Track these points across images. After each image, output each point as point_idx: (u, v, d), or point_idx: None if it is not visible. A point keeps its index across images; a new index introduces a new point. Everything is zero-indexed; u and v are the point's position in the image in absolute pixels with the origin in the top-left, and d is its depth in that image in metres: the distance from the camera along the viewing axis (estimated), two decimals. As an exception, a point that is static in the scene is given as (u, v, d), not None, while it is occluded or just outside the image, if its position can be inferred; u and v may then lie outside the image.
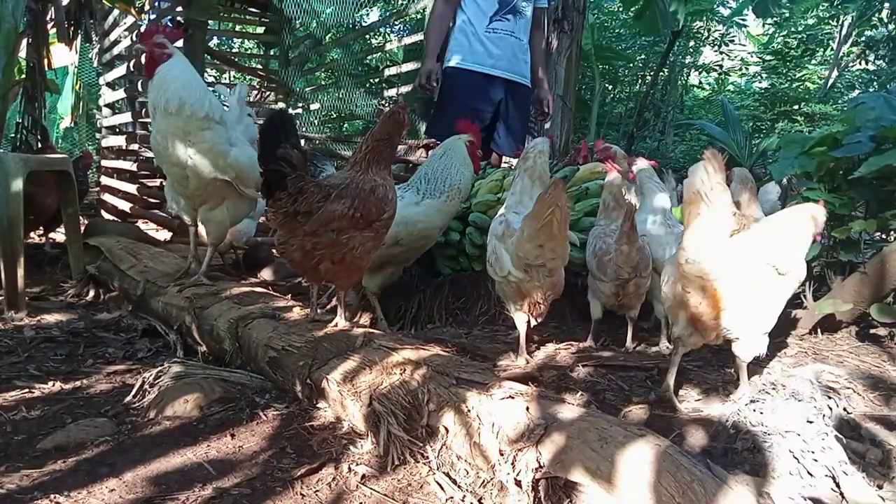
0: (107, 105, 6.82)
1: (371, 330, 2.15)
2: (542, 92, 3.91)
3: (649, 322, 2.88)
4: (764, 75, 13.11)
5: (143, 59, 2.68)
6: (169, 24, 5.73)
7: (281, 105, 7.18)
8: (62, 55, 7.79)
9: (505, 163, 3.94)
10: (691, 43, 12.52)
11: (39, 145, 5.11)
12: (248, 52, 9.88)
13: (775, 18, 11.70)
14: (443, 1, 3.66)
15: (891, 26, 10.45)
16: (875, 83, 10.77)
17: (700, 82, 14.89)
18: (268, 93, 7.15)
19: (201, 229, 2.85)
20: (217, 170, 2.58)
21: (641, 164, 2.78)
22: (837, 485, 1.37)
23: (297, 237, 2.02)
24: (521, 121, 3.85)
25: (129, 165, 5.85)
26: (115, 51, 6.47)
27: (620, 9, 10.81)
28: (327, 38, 7.10)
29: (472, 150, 2.65)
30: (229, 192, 2.68)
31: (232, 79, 11.21)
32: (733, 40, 13.09)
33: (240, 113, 2.94)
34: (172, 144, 2.54)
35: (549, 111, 3.94)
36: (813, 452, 1.47)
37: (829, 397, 1.84)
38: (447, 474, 1.52)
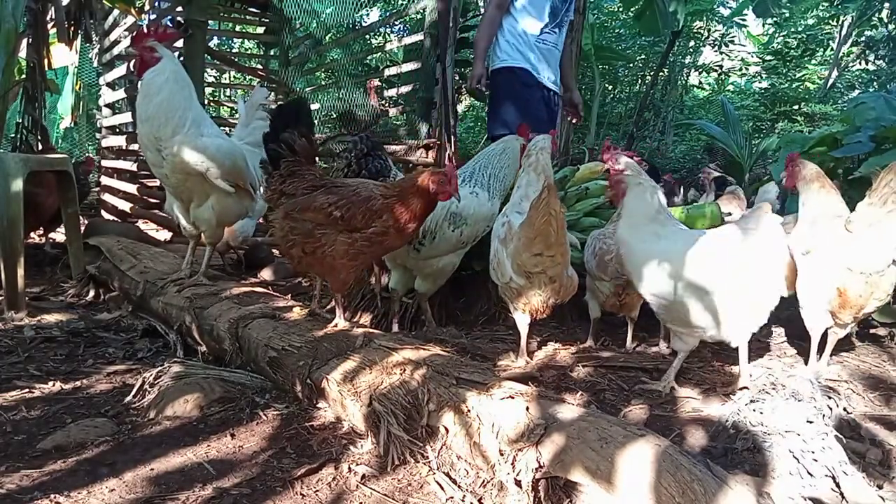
0: (107, 105, 6.82)
1: (371, 330, 2.15)
2: (574, 96, 4.12)
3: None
4: (764, 75, 13.11)
5: (134, 63, 2.71)
6: (169, 23, 5.74)
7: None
8: (62, 55, 7.79)
9: None
10: (691, 43, 12.51)
11: (40, 146, 5.10)
12: (248, 52, 9.88)
13: (775, 18, 11.70)
14: (495, 6, 3.78)
15: (891, 26, 10.45)
16: (875, 83, 10.76)
17: (700, 82, 14.89)
18: (270, 93, 7.15)
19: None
20: (189, 161, 2.56)
21: (625, 160, 2.75)
22: (837, 485, 1.37)
23: (279, 218, 2.08)
24: (553, 126, 4.01)
25: (129, 165, 5.86)
26: (115, 51, 6.47)
27: (620, 9, 10.81)
28: (327, 38, 7.09)
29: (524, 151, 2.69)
30: (210, 187, 2.68)
31: (232, 79, 11.21)
32: (733, 40, 13.08)
33: (247, 117, 2.98)
34: (151, 148, 2.59)
35: (582, 114, 4.17)
36: (813, 452, 1.47)
37: (829, 397, 1.84)
38: (447, 474, 1.52)
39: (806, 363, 2.28)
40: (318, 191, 2.04)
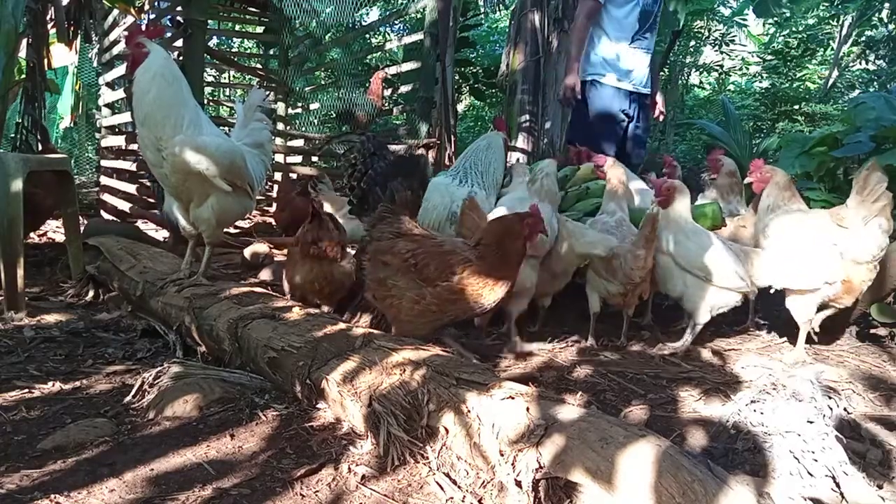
0: (106, 105, 6.81)
1: (371, 330, 2.14)
2: (658, 96, 4.17)
3: (645, 319, 2.89)
4: (764, 75, 13.10)
5: (127, 63, 2.72)
6: (169, 23, 5.74)
7: (267, 115, 7.14)
8: (62, 55, 7.79)
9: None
10: (692, 43, 12.50)
11: (40, 146, 5.10)
12: (248, 51, 9.88)
13: (776, 18, 11.69)
14: (585, 15, 3.91)
15: (891, 26, 10.45)
16: (875, 83, 10.75)
17: (700, 82, 14.88)
18: (269, 93, 7.14)
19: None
20: (189, 161, 2.55)
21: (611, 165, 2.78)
22: (837, 485, 1.37)
23: (366, 260, 2.11)
24: (645, 129, 4.11)
25: (128, 165, 5.85)
26: (115, 51, 6.46)
27: (620, 8, 10.80)
28: (327, 37, 7.09)
29: (505, 145, 2.71)
30: (210, 187, 2.67)
31: (232, 78, 11.20)
32: (734, 40, 13.08)
33: (244, 118, 2.97)
34: (151, 147, 2.58)
35: (663, 111, 4.21)
36: (813, 452, 1.47)
37: (830, 397, 1.84)
38: (447, 475, 1.52)
39: (803, 363, 2.29)
40: (401, 238, 2.03)
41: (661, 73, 11.04)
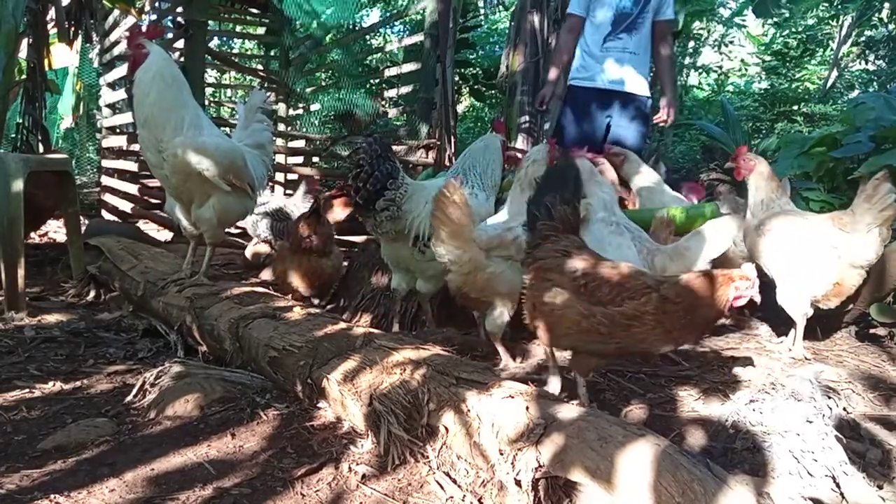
0: (107, 105, 6.82)
1: (371, 330, 2.15)
2: (663, 100, 4.13)
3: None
4: (764, 76, 13.12)
5: (129, 64, 2.72)
6: (170, 24, 5.75)
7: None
8: (62, 55, 7.76)
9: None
10: (691, 43, 12.52)
11: (41, 147, 5.10)
12: (249, 52, 9.89)
13: (775, 19, 11.70)
14: (566, 30, 4.09)
15: (891, 26, 10.46)
16: (875, 83, 10.77)
17: (700, 83, 14.90)
18: (269, 94, 7.15)
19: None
20: (188, 161, 2.56)
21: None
22: (837, 485, 1.37)
23: (528, 277, 1.95)
24: (632, 130, 4.05)
25: (129, 166, 5.87)
26: (116, 51, 6.47)
27: (621, 9, 10.82)
28: (327, 38, 7.10)
29: (504, 148, 2.70)
30: (211, 187, 2.67)
31: (232, 79, 11.21)
32: (733, 41, 13.11)
33: (245, 119, 2.98)
34: (152, 149, 2.59)
35: (667, 118, 4.11)
36: (813, 452, 1.47)
37: (829, 397, 1.84)
38: (447, 474, 1.52)
39: (803, 360, 2.30)
40: (570, 257, 1.84)
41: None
